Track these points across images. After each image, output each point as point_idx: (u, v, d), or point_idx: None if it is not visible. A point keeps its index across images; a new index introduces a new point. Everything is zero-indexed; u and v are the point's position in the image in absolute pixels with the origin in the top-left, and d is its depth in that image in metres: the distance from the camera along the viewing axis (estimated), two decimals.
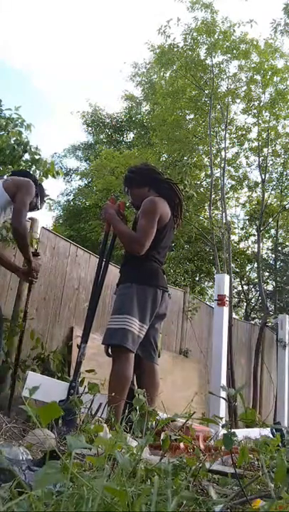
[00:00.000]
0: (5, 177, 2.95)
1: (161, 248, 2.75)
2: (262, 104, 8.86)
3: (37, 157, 4.05)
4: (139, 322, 2.53)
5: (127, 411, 2.15)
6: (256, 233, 9.85)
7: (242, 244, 12.30)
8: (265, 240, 11.26)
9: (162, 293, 2.69)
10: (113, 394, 2.30)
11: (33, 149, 4.07)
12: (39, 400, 3.09)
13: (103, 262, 2.92)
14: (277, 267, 10.57)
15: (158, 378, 2.76)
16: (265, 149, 9.25)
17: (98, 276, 2.90)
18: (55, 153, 16.91)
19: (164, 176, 2.96)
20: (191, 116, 9.84)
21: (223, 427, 1.21)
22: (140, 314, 2.54)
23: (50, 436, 1.86)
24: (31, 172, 4.04)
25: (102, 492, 0.77)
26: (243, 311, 12.61)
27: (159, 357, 3.86)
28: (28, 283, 3.19)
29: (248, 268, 12.30)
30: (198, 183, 10.91)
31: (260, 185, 9.82)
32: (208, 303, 8.00)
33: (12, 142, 4.00)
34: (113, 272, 3.37)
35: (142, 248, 2.61)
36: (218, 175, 9.03)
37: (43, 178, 4.11)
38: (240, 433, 3.48)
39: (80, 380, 2.84)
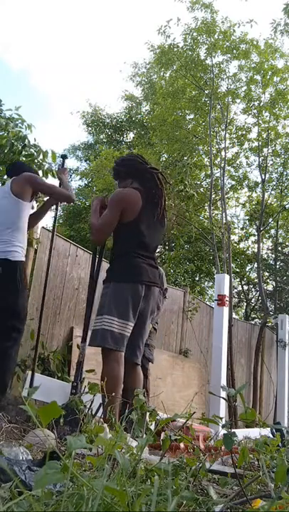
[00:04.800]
0: (6, 184, 2.96)
1: (143, 243, 2.67)
2: (262, 104, 8.86)
3: (36, 149, 4.06)
4: (118, 320, 2.50)
5: (125, 410, 2.15)
6: (256, 233, 9.85)
7: (242, 244, 12.32)
8: (265, 239, 11.27)
9: (147, 288, 2.61)
10: (107, 395, 2.27)
11: (32, 143, 4.08)
12: (39, 400, 3.10)
13: (96, 261, 2.96)
14: (277, 267, 10.57)
15: (141, 376, 2.71)
16: (265, 149, 9.25)
17: (92, 274, 2.94)
18: (56, 154, 16.92)
19: (148, 165, 2.89)
20: (191, 116, 9.85)
21: (223, 427, 1.21)
22: (119, 312, 2.51)
23: (51, 437, 1.86)
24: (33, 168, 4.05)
25: (102, 492, 0.77)
26: (243, 311, 12.61)
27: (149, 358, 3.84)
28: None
29: (248, 268, 12.31)
30: (198, 183, 10.91)
31: (260, 185, 9.82)
32: (208, 303, 8.00)
33: (11, 138, 4.01)
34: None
35: (98, 236, 2.67)
36: (218, 175, 9.03)
37: (43, 178, 4.11)
38: (240, 433, 3.48)
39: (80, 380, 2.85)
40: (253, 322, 9.97)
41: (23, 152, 4.02)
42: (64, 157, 3.60)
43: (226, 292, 5.66)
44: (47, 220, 22.60)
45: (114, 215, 2.62)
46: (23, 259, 2.85)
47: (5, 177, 4.06)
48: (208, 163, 9.73)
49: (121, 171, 2.89)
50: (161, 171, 2.95)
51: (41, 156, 4.05)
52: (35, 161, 4.03)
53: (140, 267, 2.61)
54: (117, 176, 2.94)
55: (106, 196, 3.00)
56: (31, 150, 4.02)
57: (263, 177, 9.15)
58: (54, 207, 3.36)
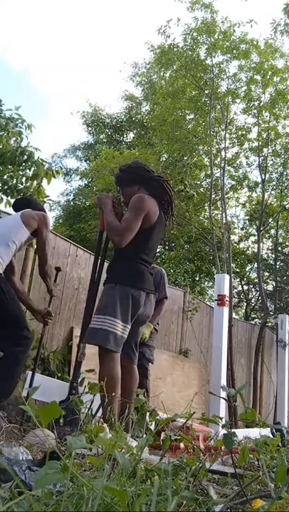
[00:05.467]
0: (18, 214, 2.97)
1: (148, 250, 2.73)
2: (262, 104, 8.86)
3: (36, 157, 4.06)
4: (122, 323, 2.54)
5: (124, 411, 2.15)
6: (256, 233, 9.85)
7: (242, 244, 12.31)
8: (265, 239, 11.27)
9: (146, 295, 2.68)
10: (106, 395, 2.28)
11: (32, 149, 4.07)
12: (39, 400, 3.10)
13: (99, 261, 2.95)
14: (277, 267, 10.57)
15: (136, 377, 2.78)
16: (265, 149, 9.25)
17: (94, 275, 2.94)
18: (55, 154, 16.91)
19: (155, 174, 2.90)
20: (191, 116, 9.85)
21: (223, 427, 1.21)
22: (123, 315, 2.54)
23: (51, 437, 1.86)
24: (31, 174, 4.05)
25: (102, 492, 0.77)
26: (243, 311, 12.61)
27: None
28: (44, 324, 3.24)
29: (248, 268, 12.30)
30: (198, 183, 10.91)
31: (260, 185, 9.82)
32: (208, 303, 8.00)
33: (12, 143, 4.00)
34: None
35: (121, 240, 2.59)
36: (218, 175, 9.03)
37: (43, 179, 4.11)
38: (240, 433, 3.49)
39: (80, 380, 2.85)
40: (253, 322, 9.97)
41: (24, 165, 4.01)
42: (58, 269, 3.47)
43: (226, 292, 5.66)
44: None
45: (138, 220, 2.59)
46: (1, 271, 2.79)
47: (5, 177, 4.06)
48: (208, 163, 9.73)
49: (125, 177, 2.87)
50: (167, 180, 2.95)
51: (39, 157, 4.04)
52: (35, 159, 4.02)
53: (144, 274, 2.67)
54: (120, 182, 2.91)
55: (114, 194, 2.93)
56: (33, 159, 4.01)
57: (263, 177, 9.15)
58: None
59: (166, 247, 12.10)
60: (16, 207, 3.15)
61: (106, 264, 2.95)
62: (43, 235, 2.92)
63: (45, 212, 3.13)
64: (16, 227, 2.84)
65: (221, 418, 1.41)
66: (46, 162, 4.14)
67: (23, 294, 3.16)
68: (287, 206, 9.92)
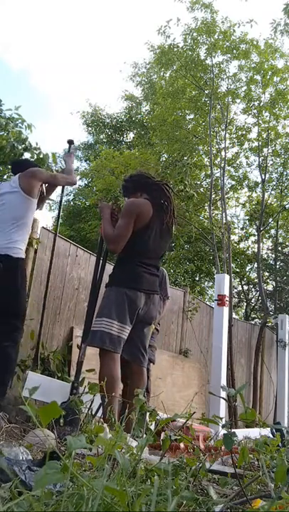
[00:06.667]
0: (13, 180, 2.95)
1: (149, 251, 2.77)
2: (262, 104, 8.86)
3: (37, 152, 4.06)
4: (118, 323, 2.59)
5: (125, 410, 2.15)
6: (256, 233, 9.85)
7: (242, 244, 12.30)
8: (265, 239, 11.26)
9: (147, 296, 2.72)
10: (106, 395, 2.30)
11: (33, 145, 4.08)
12: (39, 400, 3.10)
13: (100, 263, 3.02)
14: (277, 267, 10.57)
15: (145, 379, 2.85)
16: (265, 149, 9.25)
17: (96, 276, 3.00)
18: (55, 154, 16.91)
19: (154, 179, 3.05)
20: (191, 116, 9.84)
21: (223, 427, 1.21)
22: (119, 316, 2.60)
23: (51, 437, 1.86)
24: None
25: (102, 492, 0.76)
26: (243, 311, 12.60)
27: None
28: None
29: (248, 268, 12.29)
30: (198, 183, 10.90)
31: (260, 185, 9.82)
32: (208, 303, 8.00)
33: (12, 140, 4.01)
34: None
35: (114, 246, 2.74)
36: (218, 175, 9.03)
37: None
38: (240, 433, 3.49)
39: (80, 380, 2.86)
40: (253, 322, 9.96)
41: (24, 154, 4.02)
42: (70, 142, 3.66)
43: (226, 292, 5.66)
44: (47, 220, 22.59)
45: (129, 225, 2.70)
46: (24, 256, 2.85)
47: (5, 177, 4.07)
48: (208, 163, 9.73)
49: (129, 186, 3.01)
50: (167, 183, 3.07)
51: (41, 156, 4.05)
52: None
53: (141, 275, 2.72)
54: (126, 192, 3.05)
55: (115, 203, 3.06)
56: (34, 152, 4.02)
57: (263, 177, 9.15)
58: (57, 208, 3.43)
59: None
60: (12, 170, 3.24)
61: (108, 269, 3.00)
62: (46, 179, 3.04)
63: (35, 166, 3.19)
64: (21, 202, 2.88)
65: (221, 418, 1.41)
66: (48, 156, 4.16)
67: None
68: (287, 206, 9.92)
